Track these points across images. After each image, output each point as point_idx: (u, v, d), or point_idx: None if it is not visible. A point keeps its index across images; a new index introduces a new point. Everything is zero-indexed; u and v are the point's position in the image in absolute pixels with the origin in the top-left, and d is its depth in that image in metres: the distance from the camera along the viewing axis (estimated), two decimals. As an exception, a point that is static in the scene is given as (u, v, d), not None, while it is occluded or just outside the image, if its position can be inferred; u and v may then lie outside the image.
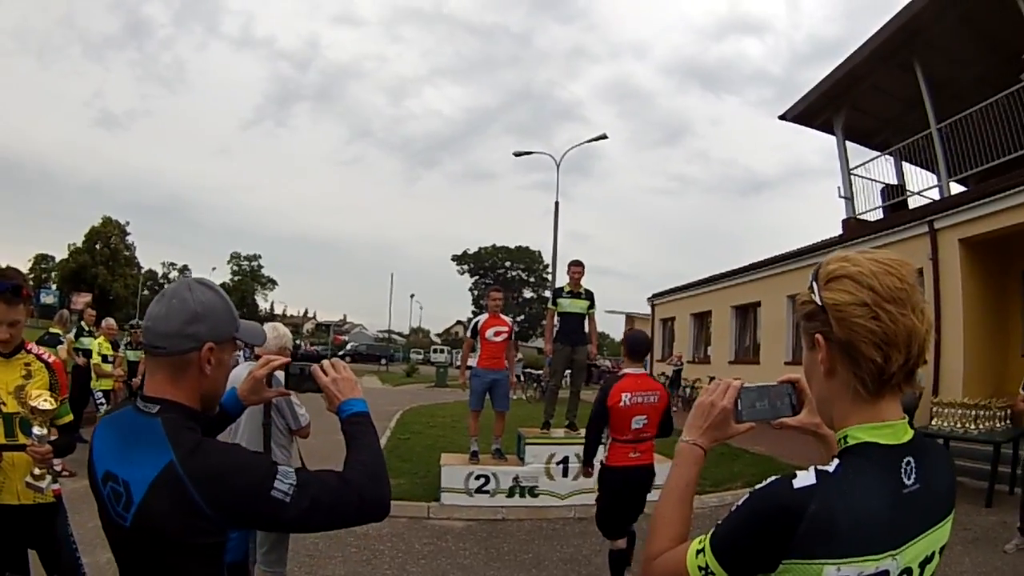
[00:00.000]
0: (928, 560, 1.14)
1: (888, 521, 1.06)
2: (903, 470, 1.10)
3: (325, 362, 1.73)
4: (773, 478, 1.10)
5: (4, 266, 2.98)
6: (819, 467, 1.09)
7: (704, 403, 1.36)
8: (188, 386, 1.48)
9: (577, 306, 8.50)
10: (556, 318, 8.64)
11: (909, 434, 1.15)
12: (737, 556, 1.10)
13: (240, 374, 4.46)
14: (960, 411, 9.07)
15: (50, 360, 3.18)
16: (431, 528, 7.22)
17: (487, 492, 7.79)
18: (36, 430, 2.78)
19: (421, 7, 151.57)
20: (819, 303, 1.14)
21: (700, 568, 1.13)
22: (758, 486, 1.10)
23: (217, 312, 1.52)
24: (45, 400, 2.85)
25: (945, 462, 1.25)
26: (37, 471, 2.86)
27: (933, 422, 9.37)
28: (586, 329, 8.66)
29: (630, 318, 38.29)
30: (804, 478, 1.06)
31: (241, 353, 7.31)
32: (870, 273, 1.11)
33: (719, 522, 1.13)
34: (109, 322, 10.49)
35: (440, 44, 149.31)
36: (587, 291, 8.58)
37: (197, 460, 1.34)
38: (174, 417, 1.42)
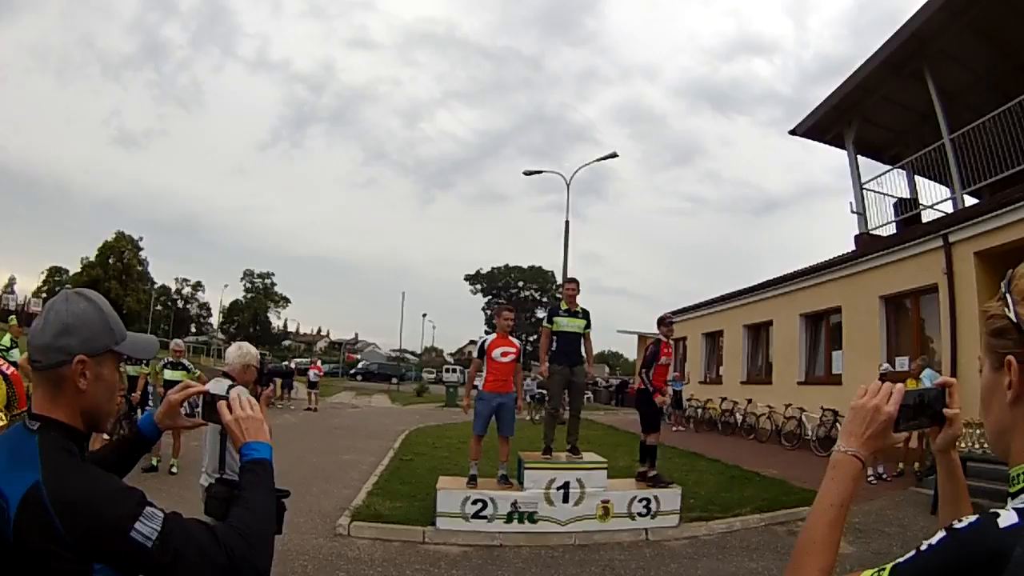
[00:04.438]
0: None
1: None
2: None
3: (233, 396, 1.65)
4: (974, 517, 0.94)
5: None
6: (1016, 505, 0.94)
7: (866, 407, 1.17)
8: (66, 403, 1.40)
9: (574, 325, 8.23)
10: (552, 337, 8.32)
11: None
12: None
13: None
14: (979, 431, 8.72)
15: (8, 372, 3.04)
16: (425, 554, 6.96)
17: (484, 517, 7.53)
18: None
19: (434, 31, 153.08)
20: (1014, 320, 1.00)
21: None
22: (957, 524, 0.93)
23: (91, 324, 1.43)
24: None
25: None
26: None
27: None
28: (582, 349, 8.38)
29: (642, 338, 38.08)
30: (1008, 517, 0.91)
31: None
32: None
33: (899, 560, 0.95)
34: None
35: (453, 68, 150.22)
36: (583, 310, 8.35)
37: (61, 484, 1.27)
38: (52, 436, 1.35)
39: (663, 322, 8.76)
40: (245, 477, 1.51)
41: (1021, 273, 1.03)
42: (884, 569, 0.95)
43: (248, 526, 1.38)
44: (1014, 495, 0.98)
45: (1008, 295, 1.02)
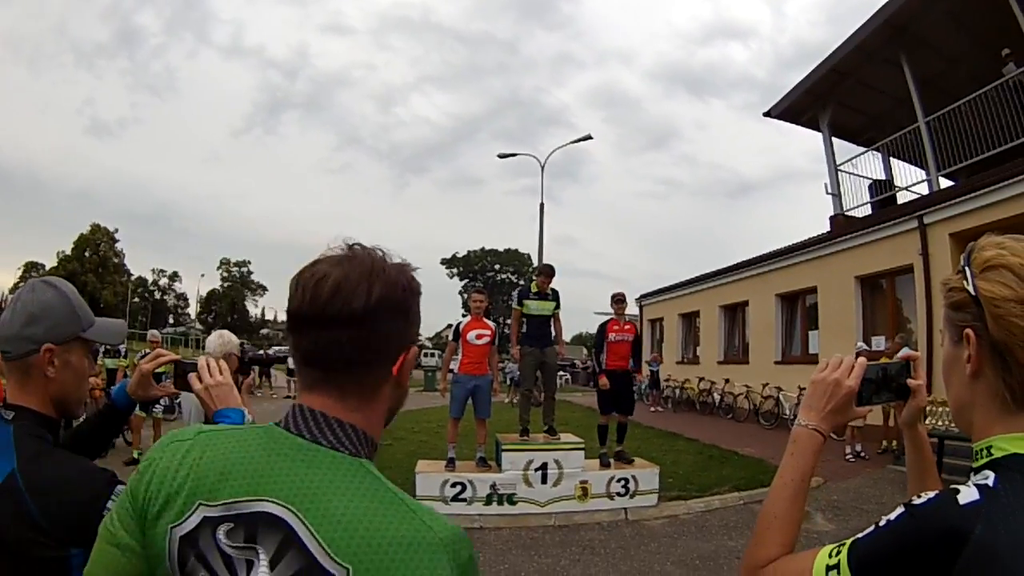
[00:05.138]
0: None
1: None
2: None
3: (201, 364, 1.67)
4: (933, 494, 0.91)
5: None
6: (977, 481, 0.90)
7: (827, 381, 1.16)
8: (36, 391, 1.43)
9: (544, 308, 8.24)
10: (523, 320, 8.32)
11: None
12: None
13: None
14: (953, 409, 8.87)
15: None
16: (405, 538, 6.90)
17: (464, 500, 7.51)
18: None
19: (409, 16, 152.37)
20: (972, 293, 0.99)
21: None
22: (916, 501, 0.91)
23: (56, 312, 1.45)
24: None
25: None
26: None
27: (927, 421, 9.15)
28: (552, 330, 8.38)
29: (620, 320, 38.20)
30: (968, 494, 0.88)
31: None
32: None
33: (859, 536, 0.93)
34: None
35: (428, 52, 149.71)
36: (553, 291, 8.36)
37: (35, 470, 1.29)
38: (25, 424, 1.37)
39: (613, 299, 8.76)
40: None
41: (981, 246, 1.02)
42: (844, 544, 0.94)
43: None
44: (976, 470, 0.96)
45: (967, 268, 1.01)
